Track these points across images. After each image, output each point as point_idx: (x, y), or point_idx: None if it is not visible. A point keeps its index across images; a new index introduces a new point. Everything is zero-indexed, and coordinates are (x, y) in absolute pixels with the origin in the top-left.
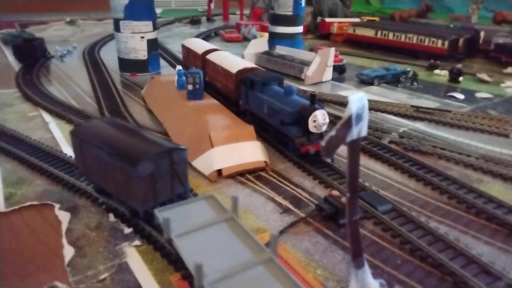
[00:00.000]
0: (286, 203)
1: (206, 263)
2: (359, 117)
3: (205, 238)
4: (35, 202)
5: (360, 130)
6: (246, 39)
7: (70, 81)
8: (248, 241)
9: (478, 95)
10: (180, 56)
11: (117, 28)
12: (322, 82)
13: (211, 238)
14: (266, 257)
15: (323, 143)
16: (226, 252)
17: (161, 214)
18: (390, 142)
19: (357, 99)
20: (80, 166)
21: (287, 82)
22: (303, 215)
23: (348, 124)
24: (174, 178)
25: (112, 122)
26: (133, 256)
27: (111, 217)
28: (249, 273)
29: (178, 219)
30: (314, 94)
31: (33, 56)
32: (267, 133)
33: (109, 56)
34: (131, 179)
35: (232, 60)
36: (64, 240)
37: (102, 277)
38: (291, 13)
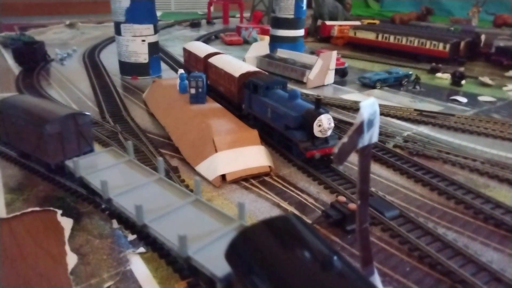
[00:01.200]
0: (291, 209)
1: (145, 209)
2: (370, 123)
3: (139, 194)
4: (37, 208)
5: (372, 136)
6: (246, 42)
7: (70, 84)
8: (176, 191)
9: (481, 98)
10: (181, 59)
11: (118, 31)
12: (324, 85)
13: (145, 193)
14: (193, 199)
15: (335, 150)
16: (158, 201)
17: (92, 176)
18: (395, 146)
19: (369, 104)
20: (3, 135)
21: (288, 85)
22: (309, 221)
23: (359, 130)
24: (80, 138)
25: (26, 97)
26: (138, 264)
27: (115, 224)
28: (181, 211)
29: (91, 168)
30: (319, 98)
31: (33, 60)
32: (271, 138)
33: (109, 60)
34: (42, 137)
35: (235, 63)
36: (67, 247)
37: (106, 285)
38: (292, 16)
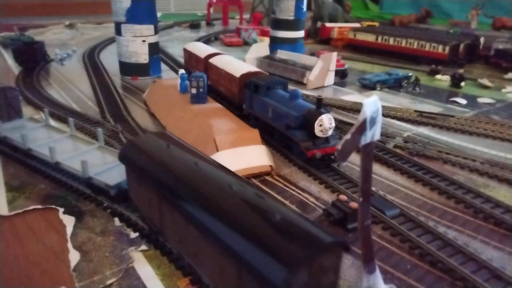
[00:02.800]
0: (293, 208)
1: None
2: (373, 121)
3: (82, 156)
4: (39, 206)
5: (374, 133)
6: (246, 44)
7: (70, 84)
8: (84, 141)
9: (480, 100)
10: (181, 60)
11: (118, 31)
12: (324, 86)
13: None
14: (98, 146)
15: (338, 147)
16: (72, 150)
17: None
18: (395, 146)
19: (372, 102)
20: None
21: (289, 87)
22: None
23: (362, 127)
24: (10, 109)
25: None
26: (140, 261)
27: (117, 222)
28: (89, 153)
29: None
30: (320, 98)
31: (33, 60)
32: (271, 138)
33: (109, 60)
34: None
35: (236, 64)
36: (69, 245)
37: (109, 282)
38: (292, 17)
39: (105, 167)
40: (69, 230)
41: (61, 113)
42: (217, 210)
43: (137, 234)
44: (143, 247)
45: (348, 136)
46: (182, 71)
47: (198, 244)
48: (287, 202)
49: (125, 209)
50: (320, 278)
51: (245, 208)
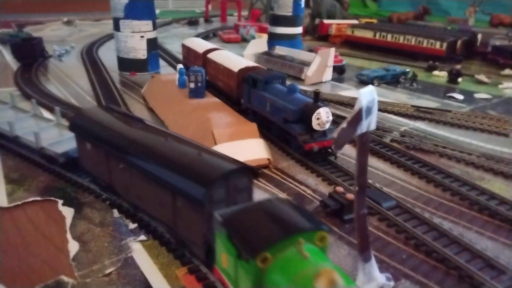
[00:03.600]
0: (290, 199)
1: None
2: (369, 110)
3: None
4: (38, 198)
5: (370, 123)
6: (244, 40)
7: (69, 80)
8: (47, 121)
9: (477, 95)
10: (179, 56)
11: (116, 27)
12: (322, 82)
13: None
14: (56, 123)
15: (334, 135)
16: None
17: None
18: (392, 140)
19: (368, 92)
20: None
21: (287, 82)
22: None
23: (358, 117)
24: None
25: None
26: (139, 251)
27: (115, 213)
28: (49, 129)
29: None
30: (318, 92)
31: (31, 55)
32: (269, 132)
33: (107, 56)
34: None
35: (234, 59)
36: (69, 235)
37: (108, 271)
38: (290, 13)
39: (59, 139)
40: (68, 221)
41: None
42: (155, 155)
43: (136, 225)
44: (142, 237)
45: (344, 125)
46: (180, 66)
47: (142, 187)
48: (284, 194)
49: (122, 201)
50: (235, 196)
51: (176, 151)
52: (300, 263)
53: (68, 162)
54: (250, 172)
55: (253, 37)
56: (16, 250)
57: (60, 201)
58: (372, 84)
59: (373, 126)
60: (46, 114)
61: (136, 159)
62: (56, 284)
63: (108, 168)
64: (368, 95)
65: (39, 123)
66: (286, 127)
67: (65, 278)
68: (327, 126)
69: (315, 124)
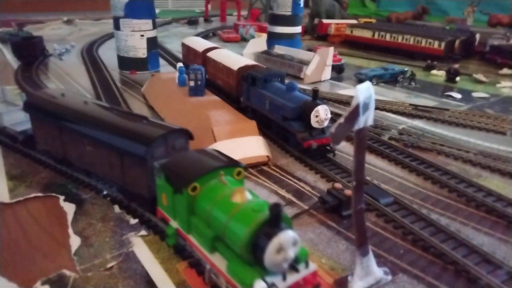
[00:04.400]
0: (289, 196)
1: None
2: (366, 106)
3: None
4: (40, 194)
5: (367, 119)
6: (244, 39)
7: (69, 78)
8: (15, 106)
9: (475, 94)
10: (179, 55)
11: (117, 26)
12: (321, 81)
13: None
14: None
15: (332, 129)
16: None
17: None
18: (390, 138)
19: (365, 88)
20: None
21: (285, 80)
22: (306, 207)
23: (355, 112)
24: None
25: None
26: (140, 246)
27: (116, 209)
28: (15, 112)
29: None
30: (317, 90)
31: (31, 54)
32: (269, 129)
33: (107, 55)
34: None
35: (233, 57)
36: (70, 230)
37: (109, 265)
38: (290, 13)
39: (21, 120)
40: (69, 216)
41: None
42: (104, 125)
43: (136, 220)
44: (143, 232)
45: (341, 120)
46: (180, 64)
47: (93, 154)
48: (284, 191)
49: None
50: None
51: (122, 120)
52: (220, 188)
53: (27, 139)
54: (186, 134)
55: (253, 37)
56: (18, 244)
57: (62, 197)
58: (371, 83)
59: (370, 122)
60: None
61: (87, 130)
62: (58, 278)
63: (62, 142)
64: (365, 91)
65: (9, 107)
66: (285, 125)
67: (67, 272)
68: (326, 123)
69: (313, 122)
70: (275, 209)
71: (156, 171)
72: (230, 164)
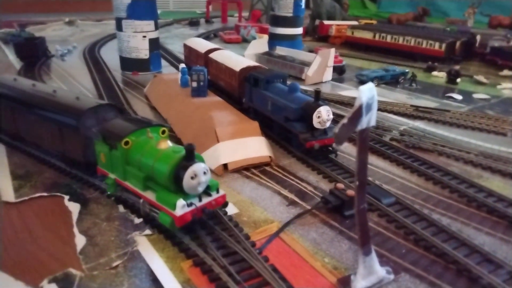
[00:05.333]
0: (292, 196)
1: None
2: (369, 107)
3: None
4: (45, 194)
5: (370, 119)
6: (245, 41)
7: (72, 79)
8: None
9: (476, 96)
10: (180, 56)
11: (119, 27)
12: (322, 82)
13: None
14: None
15: (335, 130)
16: None
17: None
18: (391, 139)
19: (367, 89)
20: None
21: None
22: (309, 207)
23: (358, 113)
24: None
25: None
26: (145, 245)
27: (121, 208)
28: None
29: None
30: (319, 90)
31: (34, 55)
32: (271, 130)
33: (109, 56)
34: None
35: (235, 58)
36: (75, 230)
37: (114, 264)
38: (291, 14)
39: None
40: (74, 216)
41: None
42: (47, 103)
43: (141, 219)
44: (147, 231)
45: (345, 121)
46: (183, 65)
47: (39, 129)
48: (286, 191)
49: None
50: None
51: (61, 98)
52: (148, 141)
53: None
54: (115, 108)
55: (254, 38)
56: (24, 244)
57: (66, 197)
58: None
59: (373, 123)
60: None
61: (34, 108)
62: (65, 276)
63: (14, 120)
64: (368, 92)
65: None
66: (287, 126)
67: (73, 271)
68: (328, 124)
69: (316, 123)
70: (189, 148)
71: (94, 135)
72: (156, 124)
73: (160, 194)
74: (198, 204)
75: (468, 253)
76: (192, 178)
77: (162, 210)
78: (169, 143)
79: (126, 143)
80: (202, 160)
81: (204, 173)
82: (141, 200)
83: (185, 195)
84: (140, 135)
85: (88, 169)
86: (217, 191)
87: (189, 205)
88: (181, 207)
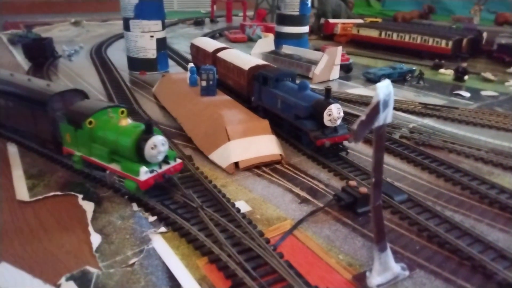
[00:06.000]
0: (303, 193)
1: None
2: (385, 104)
3: None
4: (59, 193)
5: (386, 116)
6: (251, 40)
7: (80, 79)
8: None
9: (484, 93)
10: (186, 55)
11: (126, 27)
12: (329, 80)
13: None
14: None
15: (354, 127)
16: None
17: None
18: (401, 137)
19: (384, 86)
20: None
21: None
22: (321, 204)
23: (376, 110)
24: None
25: None
26: (159, 242)
27: (135, 207)
28: None
29: None
30: (329, 88)
31: (42, 55)
32: (280, 128)
33: (116, 56)
34: None
35: (244, 57)
36: (90, 228)
37: (131, 262)
38: (297, 13)
39: None
40: (89, 215)
41: None
42: (22, 90)
43: (155, 217)
44: (162, 229)
45: (363, 117)
46: (191, 64)
47: (15, 113)
48: (298, 189)
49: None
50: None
51: (34, 85)
52: (110, 120)
53: None
54: (81, 93)
55: (259, 37)
56: (40, 242)
57: (80, 196)
58: (379, 82)
59: (389, 119)
60: None
61: (11, 95)
62: (82, 274)
63: None
64: (384, 88)
65: None
66: (297, 124)
67: (90, 268)
68: (338, 122)
69: (326, 120)
70: (148, 123)
71: (60, 118)
72: (115, 105)
73: (125, 164)
74: (159, 170)
75: (482, 249)
76: (152, 148)
77: (128, 178)
78: (129, 121)
79: (90, 122)
80: (159, 133)
81: (163, 144)
82: (107, 172)
83: (147, 163)
84: (102, 115)
85: (57, 148)
86: (175, 160)
87: (151, 171)
88: (144, 173)
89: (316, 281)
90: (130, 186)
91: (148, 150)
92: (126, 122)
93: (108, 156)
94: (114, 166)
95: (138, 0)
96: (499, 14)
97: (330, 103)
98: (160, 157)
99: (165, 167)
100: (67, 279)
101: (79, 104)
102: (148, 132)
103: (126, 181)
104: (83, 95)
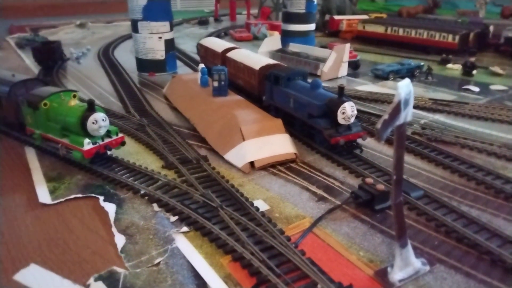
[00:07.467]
0: (320, 191)
1: None
2: (406, 102)
3: None
4: (80, 195)
5: (407, 115)
6: (256, 38)
7: (90, 81)
8: None
9: (493, 87)
10: (194, 55)
11: (135, 29)
12: (338, 77)
13: None
14: None
15: (378, 126)
16: None
17: None
18: (413, 133)
19: (405, 85)
20: None
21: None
22: (338, 202)
23: (397, 109)
24: None
25: None
26: (183, 242)
27: (155, 207)
28: None
29: None
30: (343, 86)
31: (51, 58)
32: (292, 127)
33: (124, 57)
34: None
35: (254, 57)
36: (114, 229)
37: (156, 261)
38: (303, 11)
39: None
40: (111, 216)
41: None
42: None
43: (176, 217)
44: (184, 228)
45: (386, 117)
46: (202, 65)
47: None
48: (314, 187)
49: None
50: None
51: (1, 75)
52: (61, 102)
53: None
54: (41, 82)
55: (265, 35)
56: (66, 243)
57: (101, 198)
58: (388, 78)
59: (409, 118)
60: None
61: None
62: (110, 274)
63: None
64: (405, 87)
65: None
66: (311, 122)
67: (117, 269)
68: (352, 120)
69: (340, 119)
70: (90, 101)
71: (21, 102)
72: (68, 90)
73: (72, 138)
74: (101, 142)
75: (501, 243)
76: (93, 123)
77: (75, 149)
78: (77, 101)
79: (45, 104)
80: (101, 111)
81: (103, 119)
82: (60, 145)
83: (90, 137)
84: (56, 98)
85: (21, 129)
86: (117, 134)
87: (94, 143)
88: (87, 144)
89: (339, 278)
90: (76, 156)
91: (90, 125)
92: (74, 102)
93: (60, 132)
94: (65, 140)
95: (146, 1)
96: (505, 7)
97: (343, 101)
98: (102, 131)
99: (107, 140)
100: (96, 279)
101: (37, 89)
102: (90, 110)
103: (73, 152)
104: (45, 84)
